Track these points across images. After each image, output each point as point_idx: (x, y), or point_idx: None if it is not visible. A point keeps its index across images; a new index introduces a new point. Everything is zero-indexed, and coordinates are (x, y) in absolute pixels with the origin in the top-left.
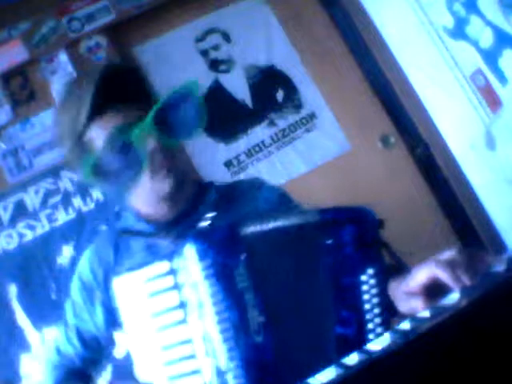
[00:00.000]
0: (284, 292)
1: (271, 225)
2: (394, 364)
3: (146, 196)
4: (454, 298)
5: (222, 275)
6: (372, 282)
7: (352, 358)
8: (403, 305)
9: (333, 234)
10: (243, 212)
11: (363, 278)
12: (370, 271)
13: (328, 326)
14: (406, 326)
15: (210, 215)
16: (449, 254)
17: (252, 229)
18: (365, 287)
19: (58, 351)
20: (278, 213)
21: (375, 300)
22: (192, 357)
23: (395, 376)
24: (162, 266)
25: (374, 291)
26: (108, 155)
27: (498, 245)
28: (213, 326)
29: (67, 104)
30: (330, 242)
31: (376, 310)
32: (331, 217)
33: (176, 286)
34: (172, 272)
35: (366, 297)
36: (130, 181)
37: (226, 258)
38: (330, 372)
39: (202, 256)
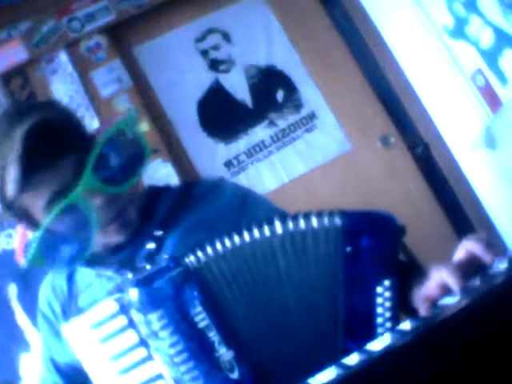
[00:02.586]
0: (267, 311)
1: (257, 233)
2: (394, 364)
3: (98, 246)
4: (454, 298)
5: (178, 321)
6: (387, 294)
7: (352, 358)
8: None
9: (352, 241)
10: (199, 220)
11: (379, 289)
12: (387, 283)
13: (334, 339)
14: (406, 325)
15: (158, 234)
16: (455, 260)
17: (204, 255)
18: (379, 300)
19: None
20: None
21: (388, 314)
22: None
23: (395, 376)
24: (110, 305)
25: (388, 304)
26: (53, 226)
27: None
28: (182, 375)
29: None
30: (349, 249)
31: (387, 324)
32: (352, 222)
33: (131, 324)
34: (123, 309)
35: (379, 310)
36: (81, 244)
37: (178, 302)
38: (330, 372)
39: (151, 307)
